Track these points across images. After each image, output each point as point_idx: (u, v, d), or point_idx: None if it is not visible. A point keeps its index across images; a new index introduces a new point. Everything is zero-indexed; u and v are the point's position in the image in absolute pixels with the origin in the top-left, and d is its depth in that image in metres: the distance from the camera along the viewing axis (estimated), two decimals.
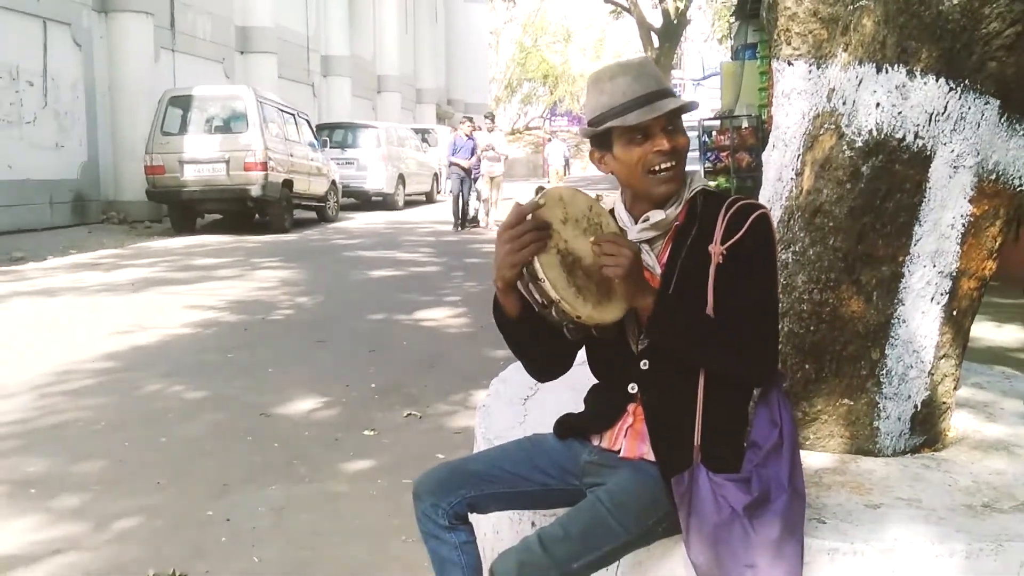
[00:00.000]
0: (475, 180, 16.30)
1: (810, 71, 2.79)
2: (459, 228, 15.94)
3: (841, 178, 2.65)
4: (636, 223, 2.09)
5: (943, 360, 2.76)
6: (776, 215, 2.85)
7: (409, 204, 22.24)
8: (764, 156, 3.08)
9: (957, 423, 2.95)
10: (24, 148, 13.93)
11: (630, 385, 2.09)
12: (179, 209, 14.90)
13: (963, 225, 2.65)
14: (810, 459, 2.64)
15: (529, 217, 1.95)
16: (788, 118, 2.87)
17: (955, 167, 2.59)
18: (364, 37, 29.33)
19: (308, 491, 3.77)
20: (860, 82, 2.62)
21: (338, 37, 26.81)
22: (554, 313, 1.95)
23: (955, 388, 2.86)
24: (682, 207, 2.06)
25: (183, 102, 14.74)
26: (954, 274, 2.68)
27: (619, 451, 2.12)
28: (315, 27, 25.58)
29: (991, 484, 2.46)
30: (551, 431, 2.29)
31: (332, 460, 4.14)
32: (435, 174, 24.54)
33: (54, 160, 14.66)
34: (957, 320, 2.75)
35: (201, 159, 14.33)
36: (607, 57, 51.37)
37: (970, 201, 2.63)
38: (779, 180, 2.89)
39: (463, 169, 15.90)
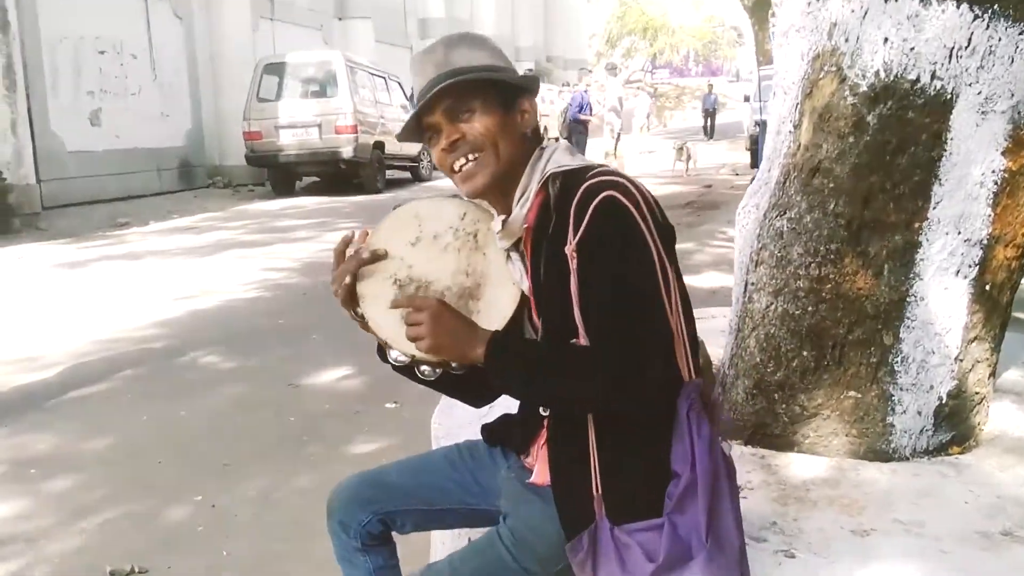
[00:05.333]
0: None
1: (809, 3, 2.23)
2: None
3: (843, 130, 2.11)
4: None
5: (974, 344, 2.20)
6: (774, 176, 2.33)
7: None
8: (769, 106, 2.54)
9: (997, 417, 2.39)
10: (130, 118, 14.08)
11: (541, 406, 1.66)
12: (277, 173, 14.89)
13: (995, 183, 2.07)
14: (803, 465, 2.15)
15: (354, 250, 1.62)
16: (787, 61, 2.33)
17: (983, 113, 2.02)
18: None
19: (307, 473, 3.47)
20: (865, 13, 2.06)
21: (434, 0, 26.36)
22: (389, 355, 1.60)
23: (991, 375, 2.30)
24: (532, 201, 1.57)
25: (277, 69, 14.62)
26: (985, 241, 2.12)
27: (531, 474, 1.69)
28: None
29: (1020, 501, 1.92)
30: None
31: (344, 437, 3.83)
32: None
33: (160, 129, 14.81)
34: (991, 296, 2.19)
35: (295, 124, 14.22)
36: (707, 9, 49.50)
37: (1003, 153, 2.05)
38: (777, 134, 2.36)
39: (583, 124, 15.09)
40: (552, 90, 26.10)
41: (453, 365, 1.58)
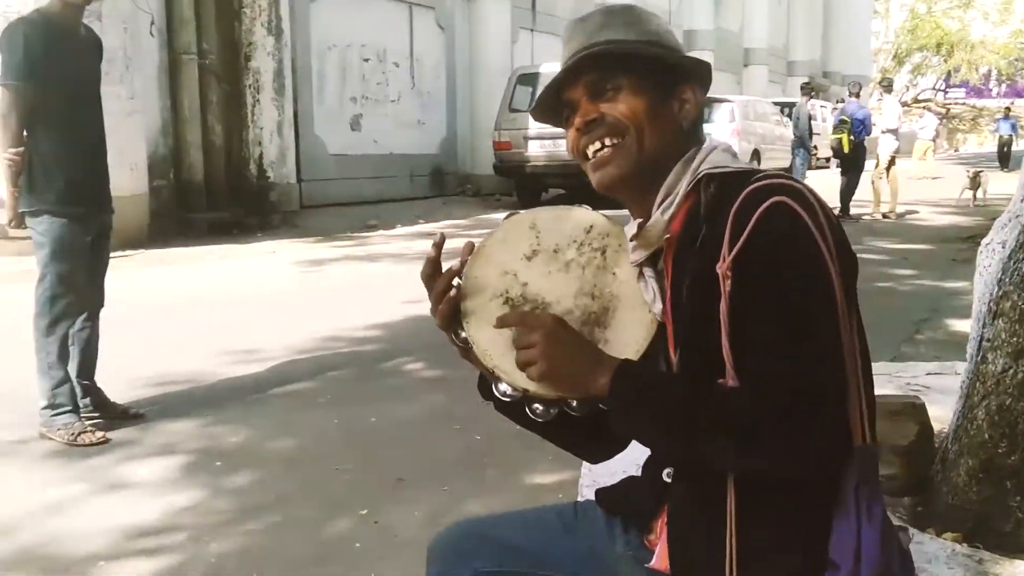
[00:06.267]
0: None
1: None
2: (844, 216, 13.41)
3: None
4: None
5: None
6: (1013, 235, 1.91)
7: None
8: None
9: None
10: (389, 125, 14.92)
11: (666, 471, 1.41)
12: (524, 183, 15.18)
13: None
14: None
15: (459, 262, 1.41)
16: None
17: None
18: (731, 10, 28.30)
19: (479, 498, 3.33)
20: None
21: (703, 11, 26.06)
22: (497, 389, 1.35)
23: None
24: (679, 205, 1.32)
25: (530, 80, 14.91)
26: None
27: (652, 556, 1.44)
28: (678, 2, 25.02)
29: None
30: None
31: (526, 463, 3.66)
32: None
33: (416, 136, 15.57)
34: None
35: (543, 135, 14.39)
36: (1014, 22, 45.36)
37: None
38: None
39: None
40: (826, 107, 24.87)
41: (573, 404, 1.33)
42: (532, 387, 1.31)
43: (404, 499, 3.33)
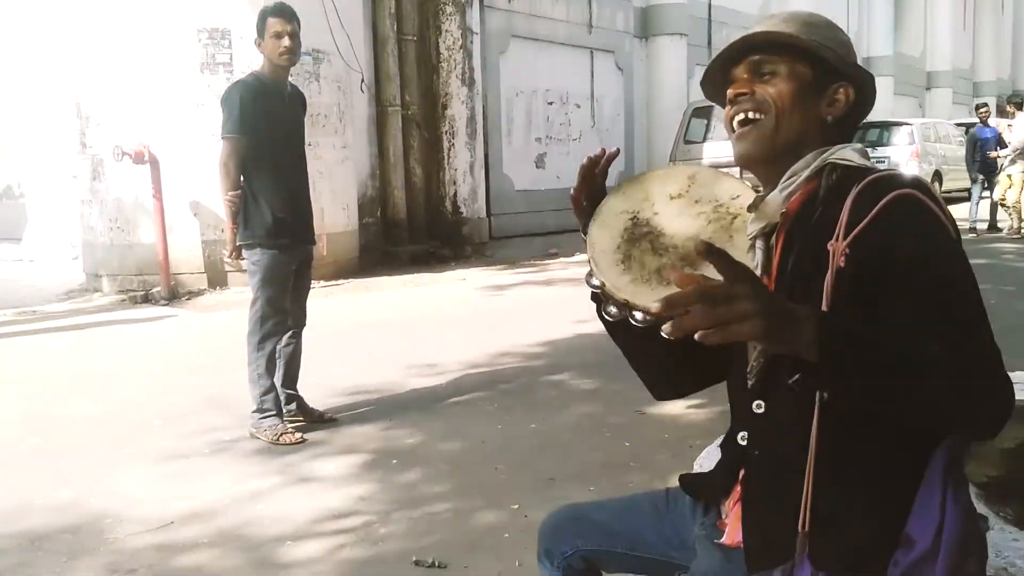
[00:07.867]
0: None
1: None
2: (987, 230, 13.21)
3: None
4: None
5: None
6: None
7: (945, 201, 19.73)
8: None
9: None
10: (570, 161, 15.14)
11: (740, 434, 1.44)
12: None
13: None
14: None
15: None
16: None
17: None
18: (912, 35, 26.90)
19: None
20: None
21: (881, 38, 24.91)
22: (589, 282, 1.42)
23: None
24: (799, 187, 1.35)
25: (705, 112, 14.76)
26: None
27: (723, 534, 1.47)
28: (855, 30, 24.02)
29: None
30: None
31: (669, 468, 3.66)
32: None
33: None
34: None
35: (718, 164, 14.15)
36: None
37: None
38: None
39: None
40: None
41: (636, 316, 1.30)
42: (608, 282, 1.36)
43: (553, 497, 3.41)
